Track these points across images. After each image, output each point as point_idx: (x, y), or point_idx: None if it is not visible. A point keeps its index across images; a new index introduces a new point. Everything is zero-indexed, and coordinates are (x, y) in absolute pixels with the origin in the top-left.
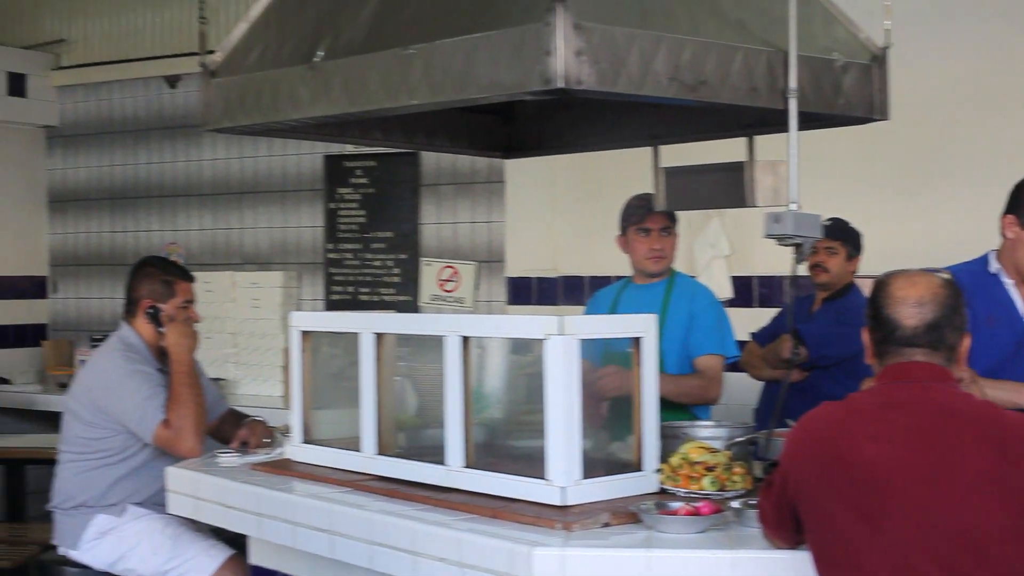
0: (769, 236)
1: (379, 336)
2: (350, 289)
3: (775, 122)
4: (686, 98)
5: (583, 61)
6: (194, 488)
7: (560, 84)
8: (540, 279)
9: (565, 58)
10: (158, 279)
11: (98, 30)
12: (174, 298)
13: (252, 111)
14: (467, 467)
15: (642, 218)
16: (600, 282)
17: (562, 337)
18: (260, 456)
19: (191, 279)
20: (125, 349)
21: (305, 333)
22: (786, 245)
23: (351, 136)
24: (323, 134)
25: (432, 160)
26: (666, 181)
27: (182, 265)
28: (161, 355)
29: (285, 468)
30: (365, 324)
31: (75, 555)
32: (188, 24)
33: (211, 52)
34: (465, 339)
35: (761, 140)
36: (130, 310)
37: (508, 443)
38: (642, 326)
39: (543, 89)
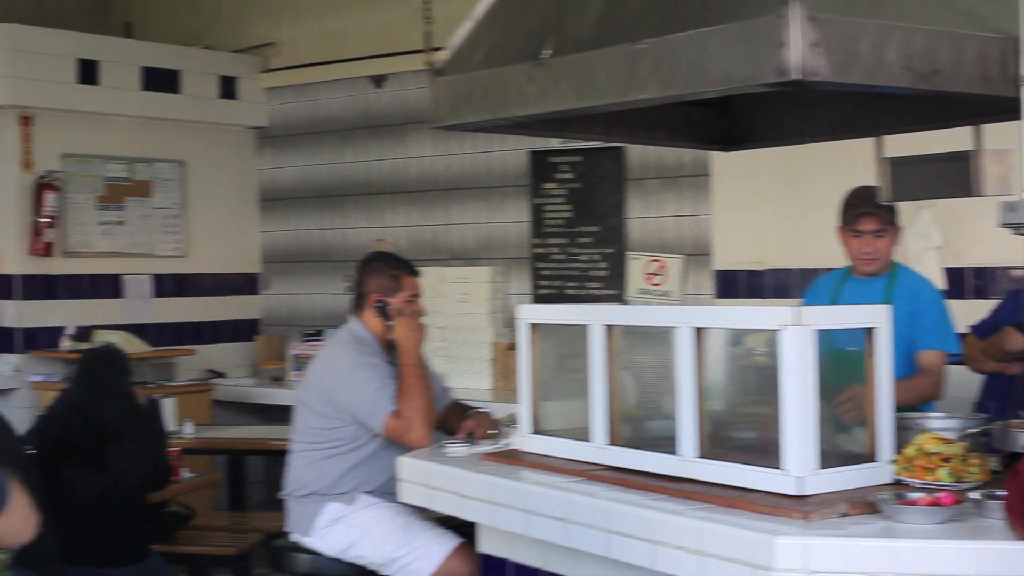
0: (1004, 225)
1: (608, 328)
2: (556, 283)
3: (1004, 110)
4: (919, 87)
5: (818, 52)
6: (426, 477)
7: (796, 76)
8: (748, 272)
9: (801, 50)
10: (385, 274)
11: (306, 33)
12: (401, 292)
13: (479, 108)
14: (700, 457)
15: (853, 220)
16: (810, 274)
17: (797, 328)
18: (487, 447)
19: (417, 274)
20: (355, 342)
21: (533, 326)
22: (1021, 234)
23: (572, 131)
24: (545, 130)
25: (637, 154)
26: (891, 172)
27: (408, 260)
28: (389, 348)
29: (514, 458)
30: (595, 316)
31: (307, 542)
32: (394, 25)
33: (437, 50)
34: (697, 330)
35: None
36: (359, 304)
37: (731, 434)
38: (876, 317)
39: (777, 82)
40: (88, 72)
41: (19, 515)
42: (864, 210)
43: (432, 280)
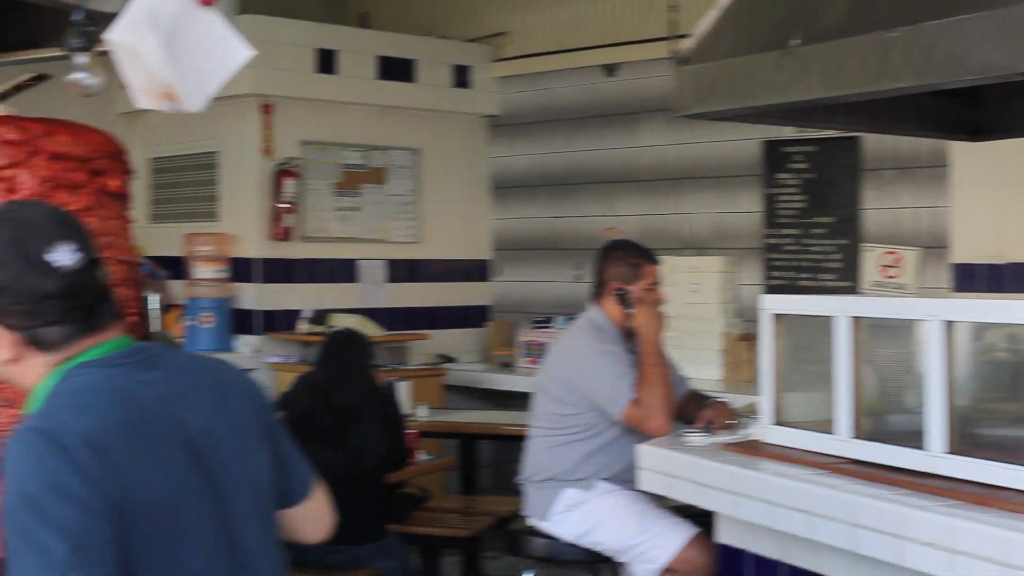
0: None
1: (855, 320)
2: (789, 274)
3: None
4: None
5: None
6: (666, 466)
7: None
8: (987, 265)
9: None
10: (625, 262)
11: (537, 22)
12: (641, 280)
13: (725, 97)
14: (949, 453)
15: None
16: None
17: None
18: (726, 437)
19: (657, 262)
20: (595, 330)
21: (776, 316)
22: None
23: (815, 121)
24: (788, 119)
25: (873, 144)
26: None
27: (648, 248)
28: (628, 336)
29: (756, 448)
30: (840, 308)
31: (544, 526)
32: (627, 14)
33: (680, 38)
34: (948, 324)
35: None
36: (598, 292)
37: (977, 430)
38: None
39: None
40: (326, 62)
41: (319, 509)
42: None
43: (663, 270)
